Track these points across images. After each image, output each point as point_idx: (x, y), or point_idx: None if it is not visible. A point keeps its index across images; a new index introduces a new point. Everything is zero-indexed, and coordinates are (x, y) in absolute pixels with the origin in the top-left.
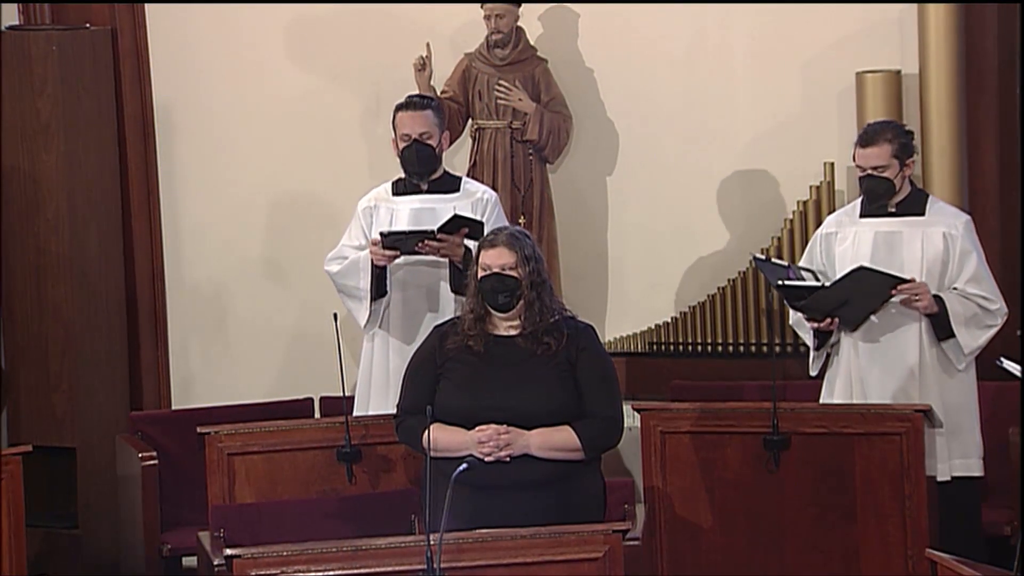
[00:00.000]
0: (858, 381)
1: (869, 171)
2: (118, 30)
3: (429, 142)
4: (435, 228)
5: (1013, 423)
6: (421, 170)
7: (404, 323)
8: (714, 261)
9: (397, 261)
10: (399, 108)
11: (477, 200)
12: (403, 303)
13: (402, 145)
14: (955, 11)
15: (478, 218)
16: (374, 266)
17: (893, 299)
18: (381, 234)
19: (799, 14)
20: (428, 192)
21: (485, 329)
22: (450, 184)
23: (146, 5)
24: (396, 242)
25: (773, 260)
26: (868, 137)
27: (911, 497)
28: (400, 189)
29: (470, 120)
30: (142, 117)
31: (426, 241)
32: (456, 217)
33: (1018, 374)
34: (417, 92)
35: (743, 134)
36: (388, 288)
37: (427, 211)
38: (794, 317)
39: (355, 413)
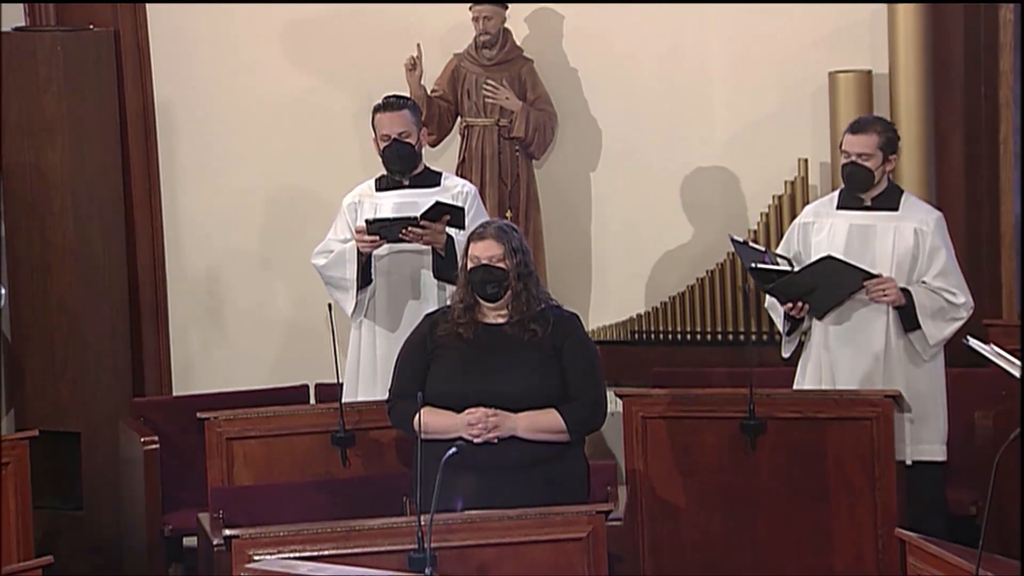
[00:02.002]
0: (828, 367)
1: (854, 158)
2: (120, 31)
3: (408, 140)
4: (418, 215)
5: (976, 407)
6: (402, 167)
7: (389, 311)
8: (693, 253)
9: (380, 251)
10: (377, 109)
11: (457, 193)
12: (387, 291)
13: (383, 145)
14: (923, 12)
15: (459, 204)
16: (359, 255)
17: (861, 294)
18: (366, 221)
19: (775, 17)
20: (410, 187)
21: (474, 317)
22: (431, 179)
23: (147, 7)
24: (380, 229)
25: (751, 244)
26: (859, 125)
27: (881, 479)
28: (383, 185)
29: (459, 118)
30: (143, 115)
31: (409, 228)
32: (438, 204)
33: (985, 353)
34: (393, 93)
35: (721, 132)
36: (373, 276)
37: (409, 205)
38: (769, 300)
39: (344, 399)
